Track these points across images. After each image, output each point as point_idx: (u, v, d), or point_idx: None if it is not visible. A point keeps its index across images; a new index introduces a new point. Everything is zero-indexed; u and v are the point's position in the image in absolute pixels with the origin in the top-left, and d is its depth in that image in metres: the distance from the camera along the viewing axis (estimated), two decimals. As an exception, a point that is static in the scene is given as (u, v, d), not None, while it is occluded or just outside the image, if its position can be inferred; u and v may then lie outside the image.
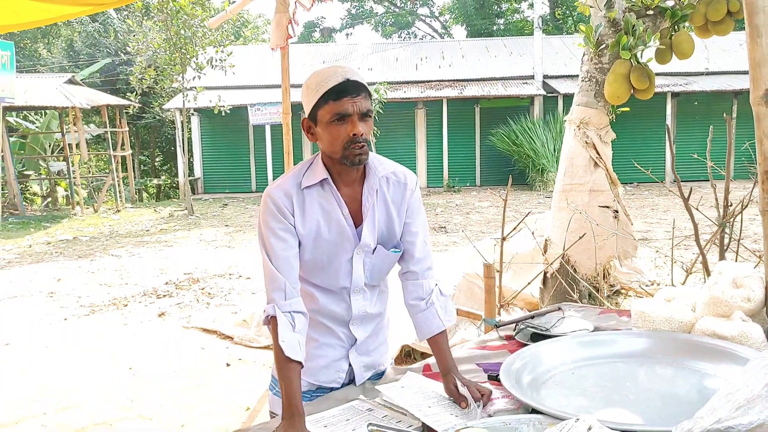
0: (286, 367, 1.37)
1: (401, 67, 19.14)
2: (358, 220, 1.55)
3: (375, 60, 19.71)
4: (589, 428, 1.13)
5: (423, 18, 33.48)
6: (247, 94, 17.13)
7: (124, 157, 15.77)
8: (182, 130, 14.25)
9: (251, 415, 3.22)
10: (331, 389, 1.62)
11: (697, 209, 2.58)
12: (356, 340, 1.64)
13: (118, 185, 14.75)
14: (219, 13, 11.84)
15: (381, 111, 14.42)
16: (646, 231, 8.48)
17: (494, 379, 1.54)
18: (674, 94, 16.29)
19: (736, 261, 2.48)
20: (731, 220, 2.56)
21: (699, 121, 16.37)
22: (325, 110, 1.41)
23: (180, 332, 4.75)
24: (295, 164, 4.28)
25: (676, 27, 3.75)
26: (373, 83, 14.50)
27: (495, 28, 30.15)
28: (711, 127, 4.01)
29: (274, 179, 16.79)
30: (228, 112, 12.61)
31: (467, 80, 17.92)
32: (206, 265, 7.42)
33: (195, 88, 11.17)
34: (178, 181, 17.99)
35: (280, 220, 1.47)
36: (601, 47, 3.79)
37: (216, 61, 11.10)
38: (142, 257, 8.14)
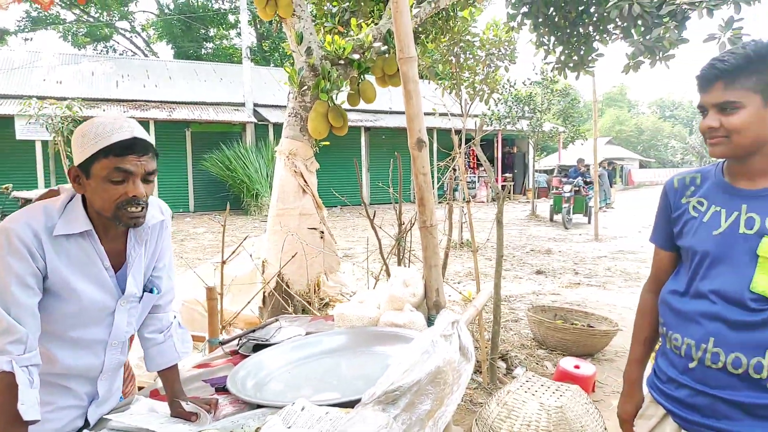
0: (18, 426, 1.23)
1: (99, 82, 17.44)
2: (118, 268, 1.43)
3: (66, 73, 17.51)
4: (303, 408, 1.40)
5: (123, 32, 31.07)
6: None
7: None
8: None
9: None
10: None
11: (381, 228, 3.18)
12: (98, 395, 1.51)
13: None
14: None
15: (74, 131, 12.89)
16: (348, 248, 9.55)
17: (221, 390, 1.70)
18: (366, 128, 18.77)
19: (408, 267, 3.16)
20: (404, 235, 3.25)
21: (386, 151, 19.18)
22: (104, 164, 1.29)
23: None
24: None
25: (362, 76, 4.50)
26: (65, 99, 12.90)
27: (203, 51, 29.90)
28: (392, 159, 4.92)
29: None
30: None
31: (176, 102, 17.35)
32: None
33: None
34: None
35: (27, 263, 1.28)
36: (304, 88, 4.29)
37: None
38: None
